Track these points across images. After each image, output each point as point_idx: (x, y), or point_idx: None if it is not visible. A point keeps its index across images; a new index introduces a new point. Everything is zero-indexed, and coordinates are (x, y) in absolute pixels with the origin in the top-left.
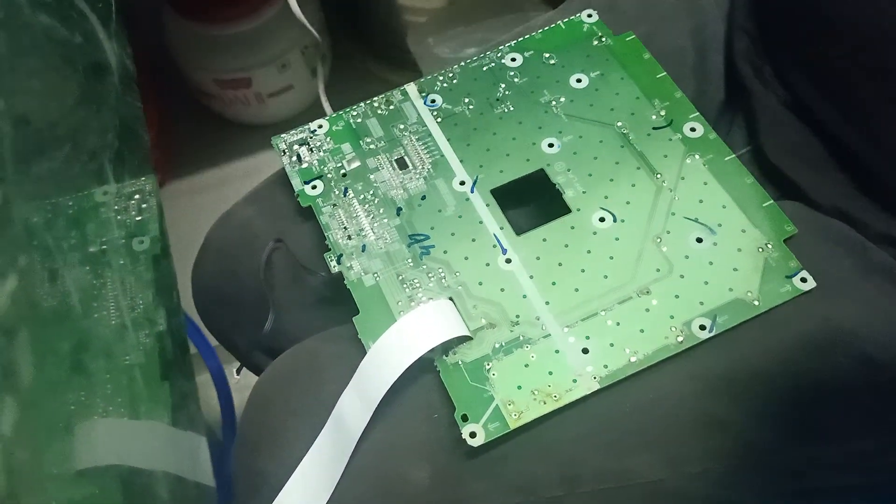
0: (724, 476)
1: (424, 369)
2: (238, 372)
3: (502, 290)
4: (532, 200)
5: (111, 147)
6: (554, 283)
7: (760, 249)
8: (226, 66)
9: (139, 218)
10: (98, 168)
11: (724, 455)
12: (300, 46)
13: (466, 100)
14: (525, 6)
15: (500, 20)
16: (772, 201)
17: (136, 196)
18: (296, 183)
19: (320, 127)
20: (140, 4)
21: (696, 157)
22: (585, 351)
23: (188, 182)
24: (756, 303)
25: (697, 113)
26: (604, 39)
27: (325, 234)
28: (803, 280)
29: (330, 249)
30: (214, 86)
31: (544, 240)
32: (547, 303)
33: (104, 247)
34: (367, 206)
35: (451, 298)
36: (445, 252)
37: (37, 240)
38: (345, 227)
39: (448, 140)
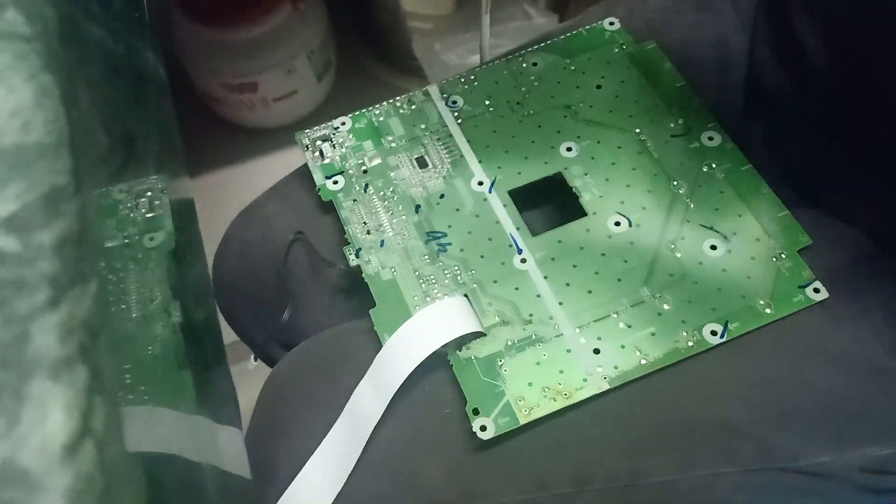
0: (739, 480)
1: (437, 364)
2: (255, 359)
3: (517, 288)
4: (549, 203)
5: (153, 153)
6: (568, 284)
7: (774, 259)
8: (233, 70)
9: (152, 215)
10: (144, 174)
11: (738, 459)
12: (306, 51)
13: (487, 102)
14: (531, 13)
15: (506, 27)
16: (787, 212)
17: (149, 193)
18: (318, 177)
19: (343, 124)
20: (148, 8)
21: (713, 165)
22: (597, 351)
23: (194, 185)
24: (768, 311)
25: (716, 122)
26: (625, 47)
27: (345, 229)
28: (816, 290)
29: (349, 243)
30: (221, 90)
31: (560, 241)
32: (560, 303)
33: (126, 241)
34: (386, 202)
35: (466, 295)
36: (462, 250)
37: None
38: (364, 222)
39: (468, 141)
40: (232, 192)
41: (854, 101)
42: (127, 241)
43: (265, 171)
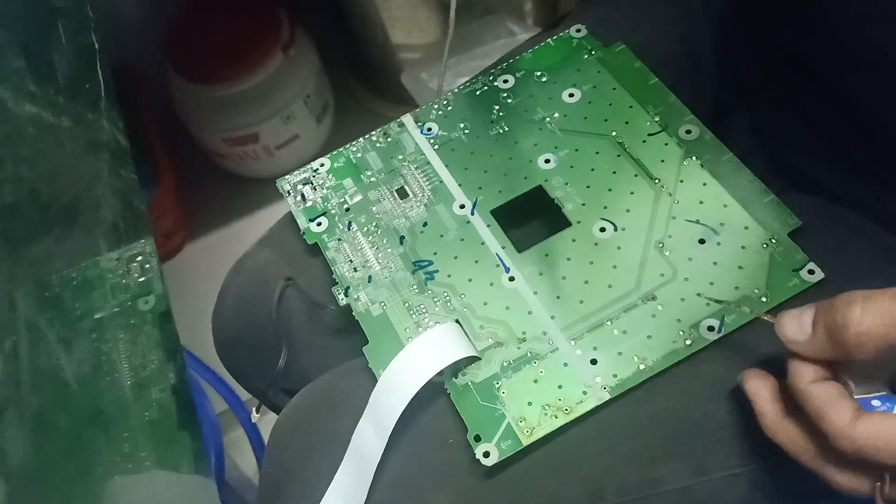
0: (754, 478)
1: (435, 394)
2: (257, 410)
3: (507, 308)
4: (532, 217)
5: (105, 222)
6: (558, 297)
7: (765, 245)
8: (233, 124)
9: (142, 279)
10: (92, 244)
11: (751, 457)
12: (302, 96)
13: (462, 125)
14: (515, 30)
15: (492, 46)
16: (773, 196)
17: (139, 258)
18: (301, 221)
19: (322, 165)
20: (147, 70)
21: (694, 158)
22: (594, 362)
23: (207, 240)
24: (764, 299)
25: (692, 115)
26: (594, 52)
27: (332, 269)
28: (811, 272)
29: (337, 283)
30: (224, 144)
31: (546, 255)
32: (552, 317)
33: (103, 314)
34: (370, 237)
35: (457, 320)
36: (449, 276)
37: (29, 320)
38: (350, 260)
39: (446, 166)
40: (244, 244)
41: (816, 83)
42: (117, 308)
43: (273, 221)
